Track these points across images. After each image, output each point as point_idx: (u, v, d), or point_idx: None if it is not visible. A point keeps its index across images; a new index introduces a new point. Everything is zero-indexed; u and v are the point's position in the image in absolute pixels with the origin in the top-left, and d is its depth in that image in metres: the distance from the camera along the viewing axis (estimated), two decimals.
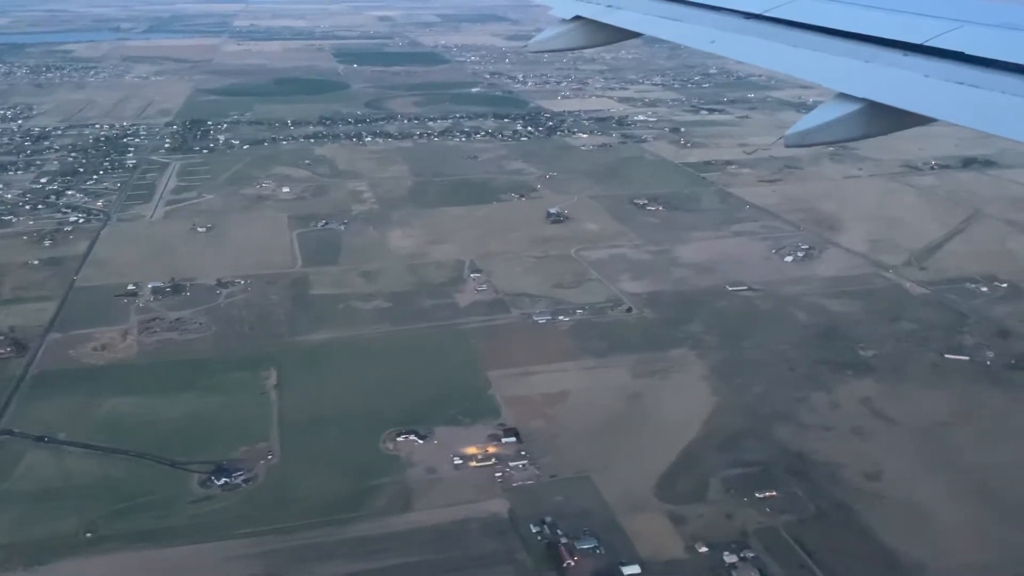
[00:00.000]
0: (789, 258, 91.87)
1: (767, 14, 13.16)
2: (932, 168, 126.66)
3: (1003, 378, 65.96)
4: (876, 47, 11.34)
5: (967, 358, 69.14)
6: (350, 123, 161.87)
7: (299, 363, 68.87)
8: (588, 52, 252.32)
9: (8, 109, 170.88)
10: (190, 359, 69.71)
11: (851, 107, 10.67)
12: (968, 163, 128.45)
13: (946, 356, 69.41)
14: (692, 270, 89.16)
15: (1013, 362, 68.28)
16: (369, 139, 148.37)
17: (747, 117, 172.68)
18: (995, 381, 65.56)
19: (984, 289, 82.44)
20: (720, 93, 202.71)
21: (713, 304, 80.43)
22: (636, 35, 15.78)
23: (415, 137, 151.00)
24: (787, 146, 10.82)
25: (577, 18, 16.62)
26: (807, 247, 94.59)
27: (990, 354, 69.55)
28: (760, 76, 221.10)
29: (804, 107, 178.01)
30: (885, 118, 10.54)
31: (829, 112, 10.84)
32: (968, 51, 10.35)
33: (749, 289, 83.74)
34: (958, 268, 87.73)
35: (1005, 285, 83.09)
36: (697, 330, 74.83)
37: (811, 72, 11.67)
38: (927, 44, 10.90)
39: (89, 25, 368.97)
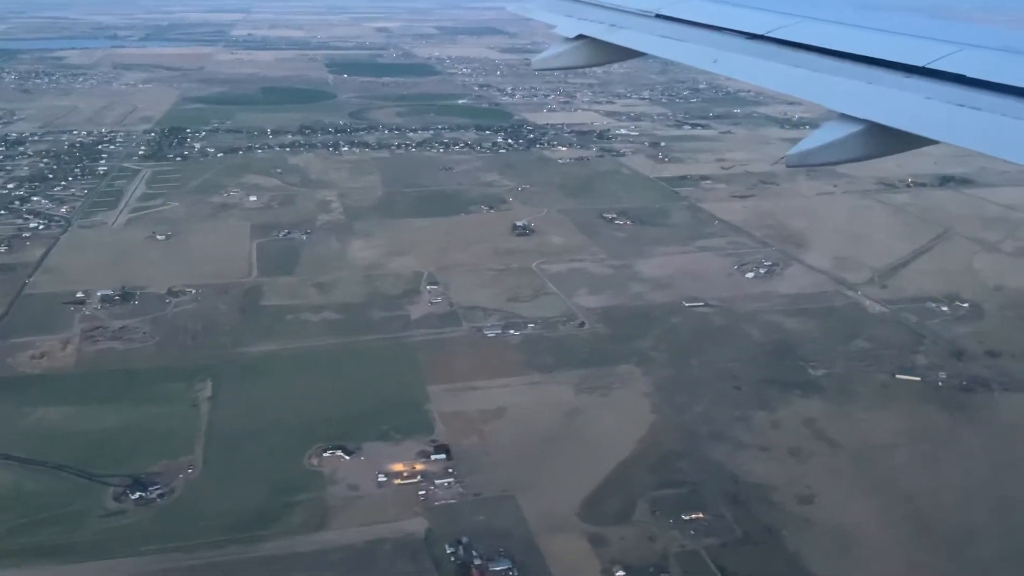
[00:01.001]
0: (751, 274, 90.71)
1: (769, 35, 13.24)
2: (908, 186, 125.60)
3: (952, 400, 64.55)
4: (878, 69, 11.38)
5: (918, 379, 67.79)
6: (330, 132, 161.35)
7: (237, 375, 67.74)
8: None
9: None
10: (128, 369, 68.59)
11: (853, 128, 10.59)
12: (945, 181, 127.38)
13: (897, 376, 68.07)
14: (651, 285, 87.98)
15: (965, 384, 66.91)
16: (346, 149, 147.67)
17: (729, 132, 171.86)
18: (944, 403, 64.16)
19: (944, 309, 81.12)
20: (706, 108, 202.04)
21: (667, 320, 79.18)
22: (639, 54, 15.82)
23: (393, 147, 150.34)
24: (788, 166, 10.92)
25: (580, 37, 16.77)
26: (770, 264, 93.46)
27: (942, 375, 68.18)
28: (748, 92, 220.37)
29: (788, 123, 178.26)
30: (887, 139, 10.53)
31: (830, 133, 10.71)
32: (969, 74, 10.37)
33: (706, 305, 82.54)
34: (920, 287, 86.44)
35: (966, 305, 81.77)
36: (646, 346, 73.58)
37: (812, 92, 11.74)
38: (928, 66, 10.91)
39: (87, 32, 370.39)
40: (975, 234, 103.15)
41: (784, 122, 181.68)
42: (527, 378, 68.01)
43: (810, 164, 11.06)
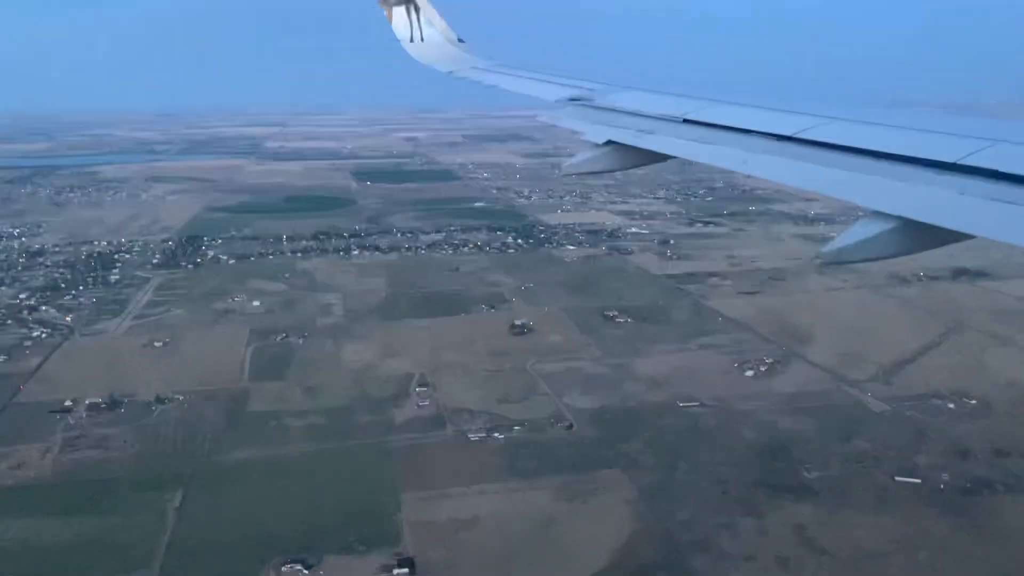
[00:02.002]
0: (750, 372, 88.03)
1: (797, 135, 13.39)
2: (919, 279, 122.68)
3: (954, 504, 60.67)
4: (909, 166, 11.40)
5: (919, 481, 64.06)
6: (343, 237, 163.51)
7: (209, 484, 66.16)
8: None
9: (18, 227, 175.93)
10: (102, 479, 67.31)
11: (886, 225, 10.43)
12: (959, 274, 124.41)
13: (896, 479, 64.42)
14: (646, 385, 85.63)
15: (968, 486, 63.04)
16: (356, 253, 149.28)
17: (742, 230, 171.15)
18: (945, 507, 60.29)
19: (951, 406, 77.52)
20: (721, 206, 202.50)
21: (659, 421, 76.55)
22: (668, 158, 15.96)
23: (403, 250, 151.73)
24: (823, 264, 9.87)
25: (609, 142, 17.06)
26: (771, 361, 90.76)
27: (945, 476, 64.41)
28: (764, 190, 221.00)
29: (804, 220, 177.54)
30: (921, 235, 10.41)
31: (864, 231, 10.52)
32: (1002, 168, 10.35)
33: (701, 405, 79.84)
34: (927, 383, 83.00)
35: (974, 402, 78.11)
36: (634, 449, 70.85)
37: (843, 191, 11.69)
38: (960, 162, 10.88)
39: (127, 148, 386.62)
40: (988, 328, 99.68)
41: (799, 219, 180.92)
42: (505, 484, 65.48)
43: (845, 261, 10.81)
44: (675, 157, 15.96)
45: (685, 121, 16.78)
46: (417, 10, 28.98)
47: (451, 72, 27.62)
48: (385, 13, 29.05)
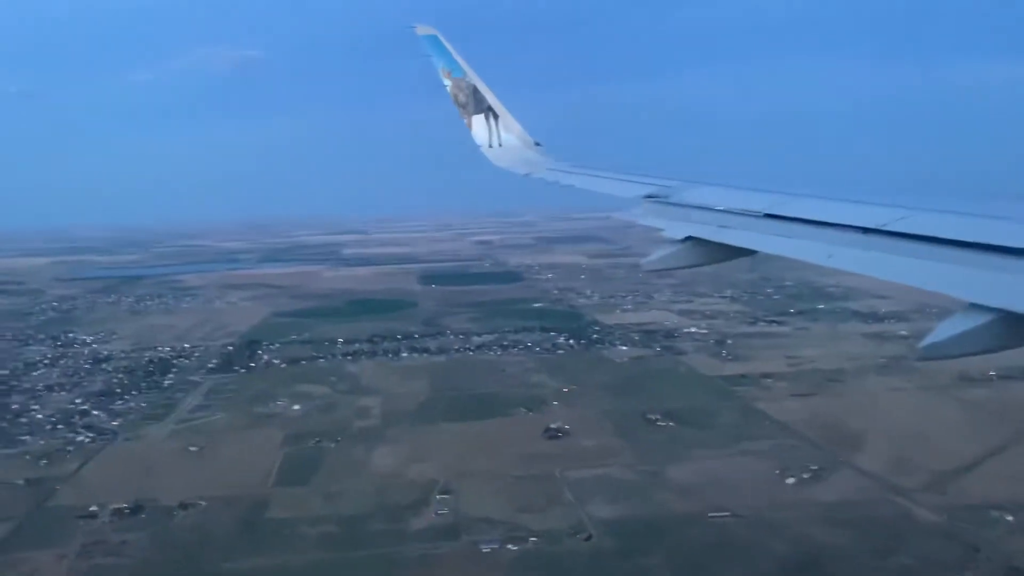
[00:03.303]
0: (791, 480, 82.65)
1: (884, 228, 13.21)
2: (991, 379, 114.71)
3: None
4: (1005, 256, 10.99)
5: None
6: (397, 339, 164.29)
7: None
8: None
9: (93, 335, 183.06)
10: None
11: (984, 318, 10.00)
12: None
13: None
14: (677, 493, 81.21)
15: None
16: (405, 355, 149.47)
17: (806, 329, 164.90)
18: None
19: (1009, 518, 70.59)
20: (789, 304, 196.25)
21: (684, 532, 71.99)
22: (749, 253, 15.93)
23: (451, 352, 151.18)
24: (919, 360, 9.65)
25: (689, 238, 17.02)
26: (815, 468, 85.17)
27: None
28: (836, 287, 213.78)
29: (873, 317, 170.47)
30: (1022, 328, 9.89)
31: (960, 324, 10.09)
32: None
33: (732, 515, 74.93)
34: (985, 493, 76.08)
35: None
36: (652, 564, 66.52)
37: (934, 282, 11.31)
38: None
39: (211, 257, 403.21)
40: None
41: (868, 317, 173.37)
42: None
43: (942, 357, 10.31)
44: (756, 252, 15.81)
45: (766, 215, 16.48)
46: (496, 117, 30.50)
47: (528, 174, 28.40)
48: (465, 122, 30.60)
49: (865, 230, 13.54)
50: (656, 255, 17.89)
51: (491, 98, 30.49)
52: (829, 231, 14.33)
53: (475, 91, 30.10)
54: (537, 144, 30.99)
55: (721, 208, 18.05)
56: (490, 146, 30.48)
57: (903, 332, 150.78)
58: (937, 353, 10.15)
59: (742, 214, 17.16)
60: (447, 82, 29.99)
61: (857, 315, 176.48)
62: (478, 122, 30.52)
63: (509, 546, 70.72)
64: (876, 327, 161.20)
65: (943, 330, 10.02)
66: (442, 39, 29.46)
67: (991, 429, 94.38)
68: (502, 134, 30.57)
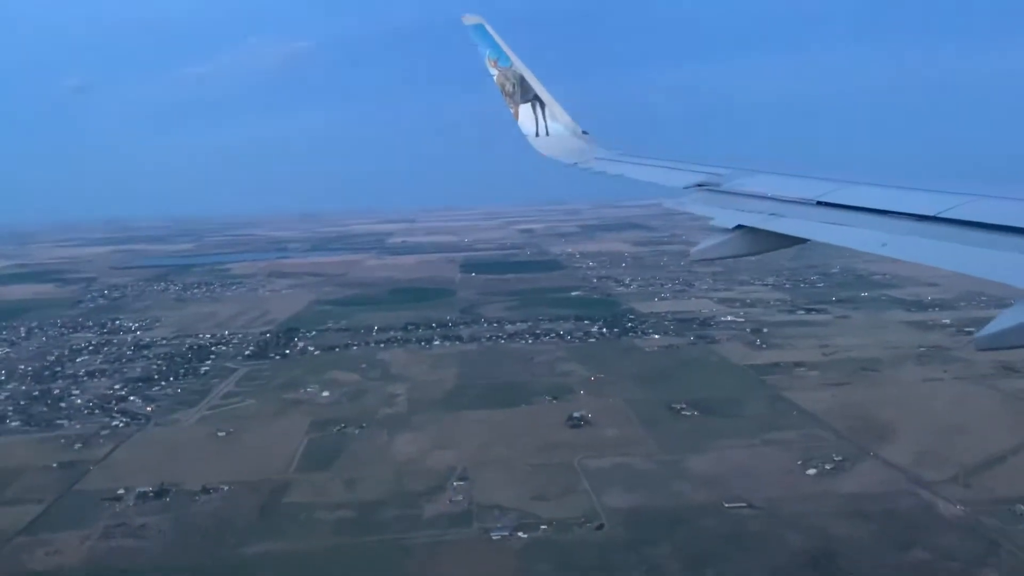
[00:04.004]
0: (812, 471, 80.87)
1: (941, 215, 13.06)
2: None
3: None
4: None
5: None
6: (432, 328, 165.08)
7: None
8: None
9: (139, 322, 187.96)
10: (123, 568, 68.45)
11: None
12: None
13: None
14: (695, 483, 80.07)
15: None
16: (437, 343, 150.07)
17: (846, 317, 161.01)
18: None
19: None
20: (831, 293, 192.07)
21: (698, 523, 70.93)
22: (801, 241, 15.88)
23: (483, 340, 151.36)
24: (978, 349, 10.02)
25: (739, 227, 16.95)
26: (839, 459, 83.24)
27: None
28: (882, 275, 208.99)
29: (916, 306, 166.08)
30: None
31: (1020, 314, 9.77)
32: None
33: (748, 506, 73.61)
34: (1014, 487, 73.43)
35: None
36: (661, 554, 65.67)
37: (994, 271, 11.17)
38: None
39: (262, 246, 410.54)
40: None
41: (912, 305, 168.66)
42: None
43: (1001, 347, 9.99)
44: (808, 240, 15.66)
45: (819, 203, 16.34)
46: (543, 106, 30.30)
47: (575, 164, 28.28)
48: (512, 112, 30.46)
49: (921, 217, 13.28)
50: (705, 244, 17.76)
51: (538, 87, 30.17)
52: (883, 219, 14.14)
53: (522, 80, 29.82)
54: (585, 133, 30.69)
55: (772, 196, 17.87)
56: (537, 135, 30.34)
57: (946, 321, 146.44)
58: (994, 344, 9.82)
59: (794, 202, 16.96)
60: (493, 71, 29.73)
61: (901, 303, 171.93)
62: (525, 111, 30.34)
63: (520, 534, 70.52)
64: (919, 316, 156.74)
65: (1002, 320, 9.67)
66: (488, 28, 29.12)
67: None
68: (549, 123, 30.38)
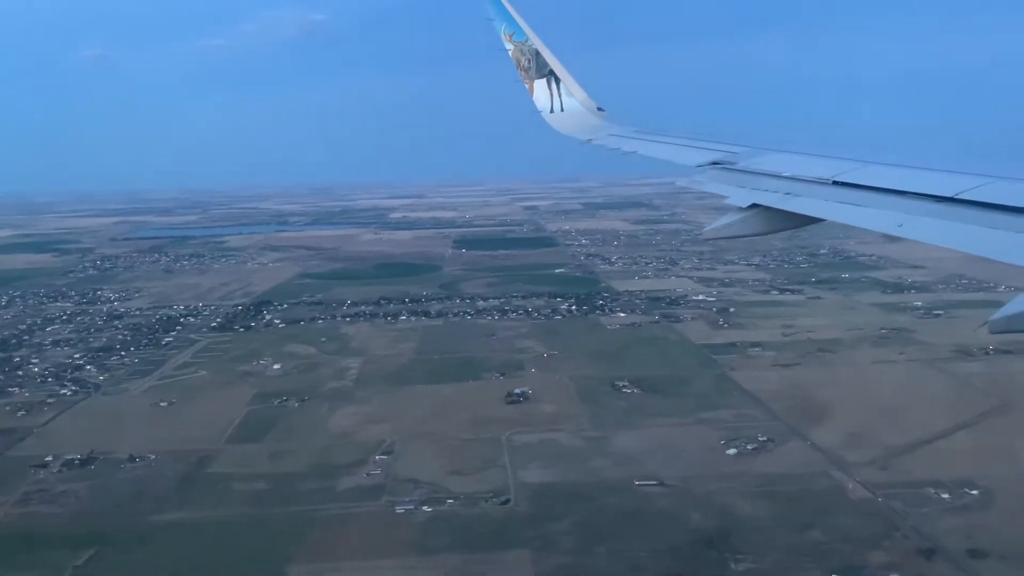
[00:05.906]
0: (732, 451, 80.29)
1: (959, 196, 13.00)
2: (987, 353, 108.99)
3: None
4: None
5: None
6: (404, 303, 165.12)
7: (124, 545, 66.32)
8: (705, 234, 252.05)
9: (119, 292, 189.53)
10: (29, 534, 68.99)
11: None
12: None
13: None
14: (615, 460, 79.76)
15: None
16: (404, 318, 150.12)
17: (819, 298, 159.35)
18: None
19: (945, 496, 67.27)
20: (813, 273, 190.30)
21: (605, 500, 70.71)
22: (815, 221, 15.83)
23: (450, 316, 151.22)
24: (991, 332, 9.90)
25: (754, 206, 16.87)
26: (764, 439, 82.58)
27: None
28: (870, 256, 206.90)
29: (895, 288, 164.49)
30: None
31: None
32: None
33: (659, 484, 73.27)
34: (931, 470, 72.58)
35: (975, 492, 67.43)
36: (560, 529, 65.50)
37: (1011, 254, 11.08)
38: None
39: (264, 219, 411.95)
40: None
41: (890, 287, 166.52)
42: (402, 562, 62.05)
43: (1016, 329, 9.85)
44: (823, 220, 15.56)
45: (835, 183, 16.18)
46: (557, 81, 29.90)
47: (589, 140, 27.96)
48: (527, 86, 30.13)
49: (939, 198, 13.09)
50: (719, 223, 17.55)
51: (553, 62, 29.69)
52: (901, 199, 13.98)
53: (537, 55, 29.37)
54: (600, 109, 30.25)
55: (788, 175, 17.63)
56: (552, 111, 29.99)
57: (918, 303, 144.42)
58: (1008, 326, 9.63)
59: (810, 181, 16.72)
60: (509, 46, 29.38)
61: (879, 285, 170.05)
62: (540, 87, 29.95)
63: (424, 507, 70.58)
64: (894, 298, 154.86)
65: (1017, 303, 9.48)
66: (504, 2, 28.70)
67: (968, 404, 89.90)
68: (564, 99, 29.99)
